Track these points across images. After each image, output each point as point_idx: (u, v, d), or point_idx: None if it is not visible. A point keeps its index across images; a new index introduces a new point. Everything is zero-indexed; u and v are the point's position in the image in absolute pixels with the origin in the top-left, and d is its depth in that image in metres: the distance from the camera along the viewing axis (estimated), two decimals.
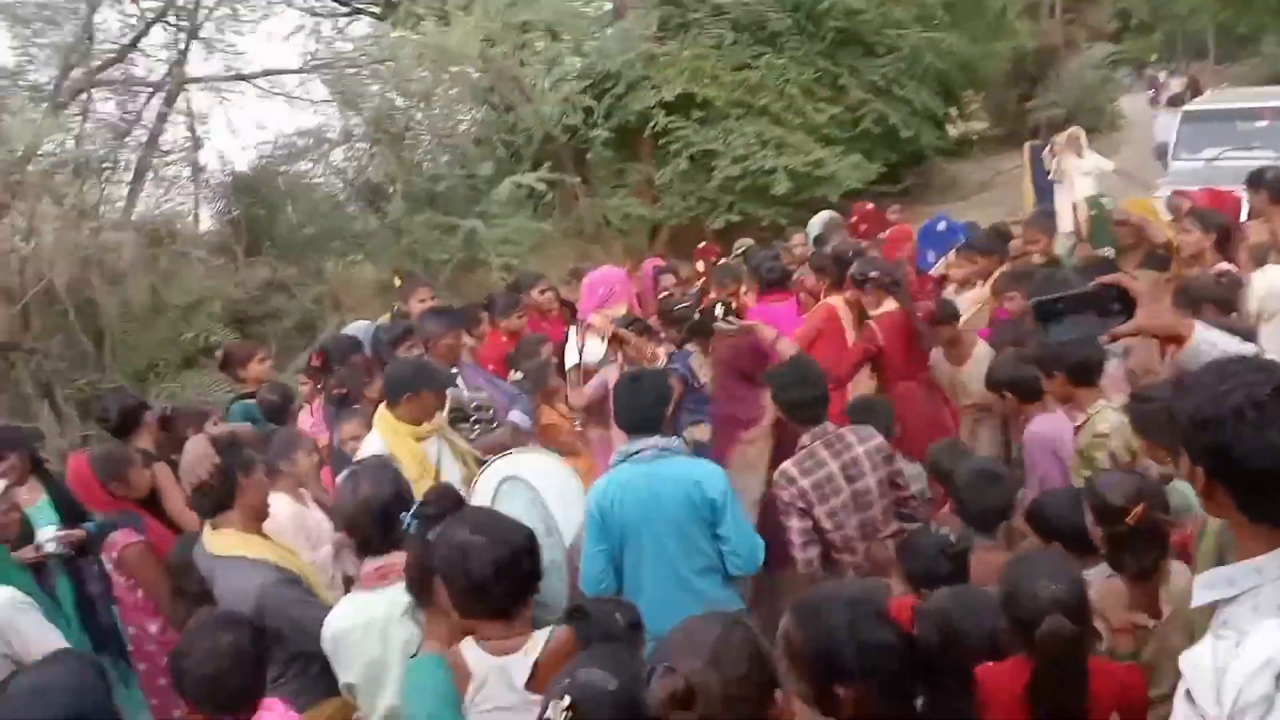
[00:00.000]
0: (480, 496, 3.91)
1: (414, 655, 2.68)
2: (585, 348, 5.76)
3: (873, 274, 5.28)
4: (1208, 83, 30.81)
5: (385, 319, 6.38)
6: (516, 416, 5.13)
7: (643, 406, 3.61)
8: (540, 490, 3.80)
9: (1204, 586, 1.68)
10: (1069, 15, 29.53)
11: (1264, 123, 11.19)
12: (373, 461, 3.50)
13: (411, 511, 2.64)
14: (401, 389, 4.20)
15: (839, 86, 17.29)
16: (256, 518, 3.38)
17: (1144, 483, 2.77)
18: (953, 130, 23.79)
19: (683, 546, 3.51)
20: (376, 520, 2.97)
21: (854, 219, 9.19)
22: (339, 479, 3.31)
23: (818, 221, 8.62)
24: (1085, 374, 3.70)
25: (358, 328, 6.16)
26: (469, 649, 2.48)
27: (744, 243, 8.31)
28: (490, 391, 5.22)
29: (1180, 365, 2.06)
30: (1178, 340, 2.09)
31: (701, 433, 5.52)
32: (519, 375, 5.62)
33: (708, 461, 3.92)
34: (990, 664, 2.42)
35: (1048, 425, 3.98)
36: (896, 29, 17.60)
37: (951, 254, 7.01)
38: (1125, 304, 2.13)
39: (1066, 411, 3.88)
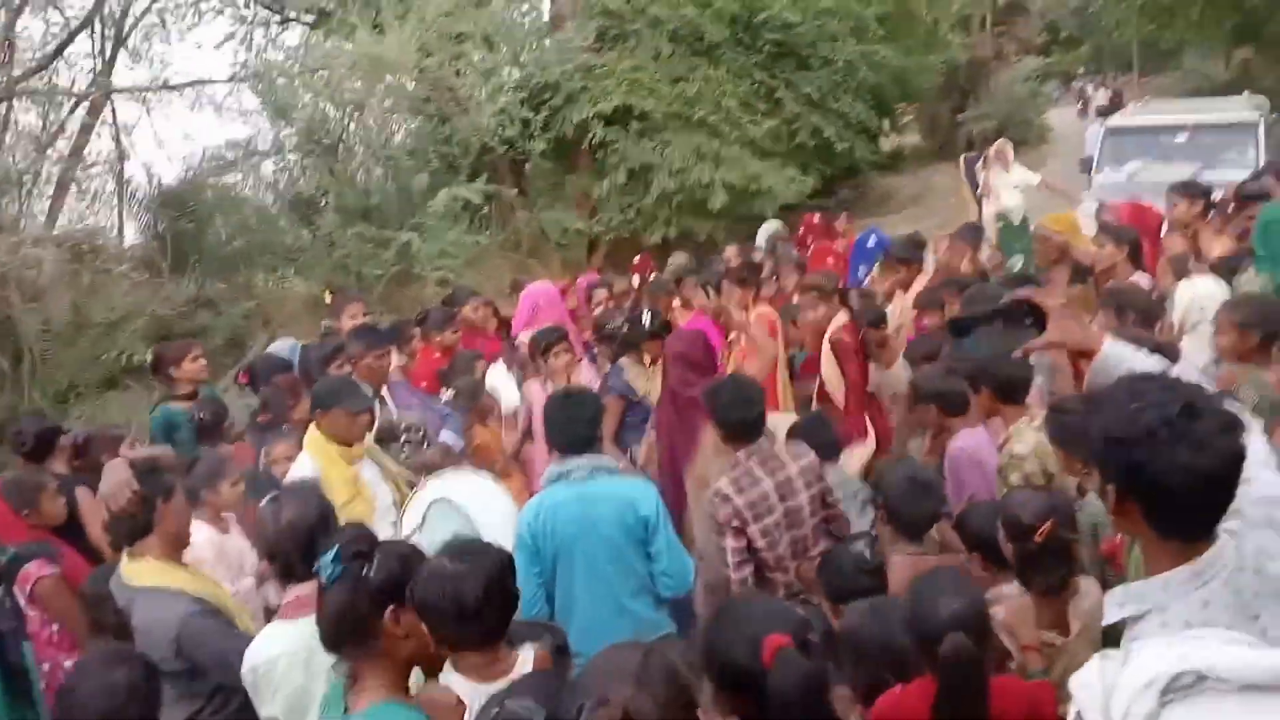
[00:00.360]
0: (411, 519, 3.85)
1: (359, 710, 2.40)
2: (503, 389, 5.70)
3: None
4: (1133, 95, 31.73)
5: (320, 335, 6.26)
6: (448, 437, 5.06)
7: (575, 425, 3.57)
8: (471, 512, 3.76)
9: (1115, 604, 1.70)
10: (999, 29, 30.18)
11: (1185, 136, 11.51)
12: (296, 485, 3.42)
13: (333, 555, 2.37)
14: (316, 405, 4.20)
15: (775, 99, 17.46)
16: (176, 546, 3.28)
17: (1055, 500, 2.82)
18: (886, 144, 24.18)
19: (617, 568, 3.48)
20: (300, 546, 2.87)
21: (801, 230, 9.28)
22: (261, 504, 3.22)
23: (763, 232, 8.71)
24: (1012, 391, 3.76)
25: (282, 346, 6.04)
26: (456, 683, 2.42)
27: (677, 258, 8.33)
28: (422, 410, 5.15)
29: (1090, 378, 2.09)
30: (1088, 354, 2.12)
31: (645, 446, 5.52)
32: (452, 393, 5.56)
33: (641, 480, 3.90)
34: (895, 690, 2.44)
35: (971, 440, 4.02)
36: (831, 42, 17.82)
37: (876, 267, 7.13)
38: (1037, 319, 2.16)
39: (990, 427, 3.93)
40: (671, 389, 4.88)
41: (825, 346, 5.42)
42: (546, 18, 16.66)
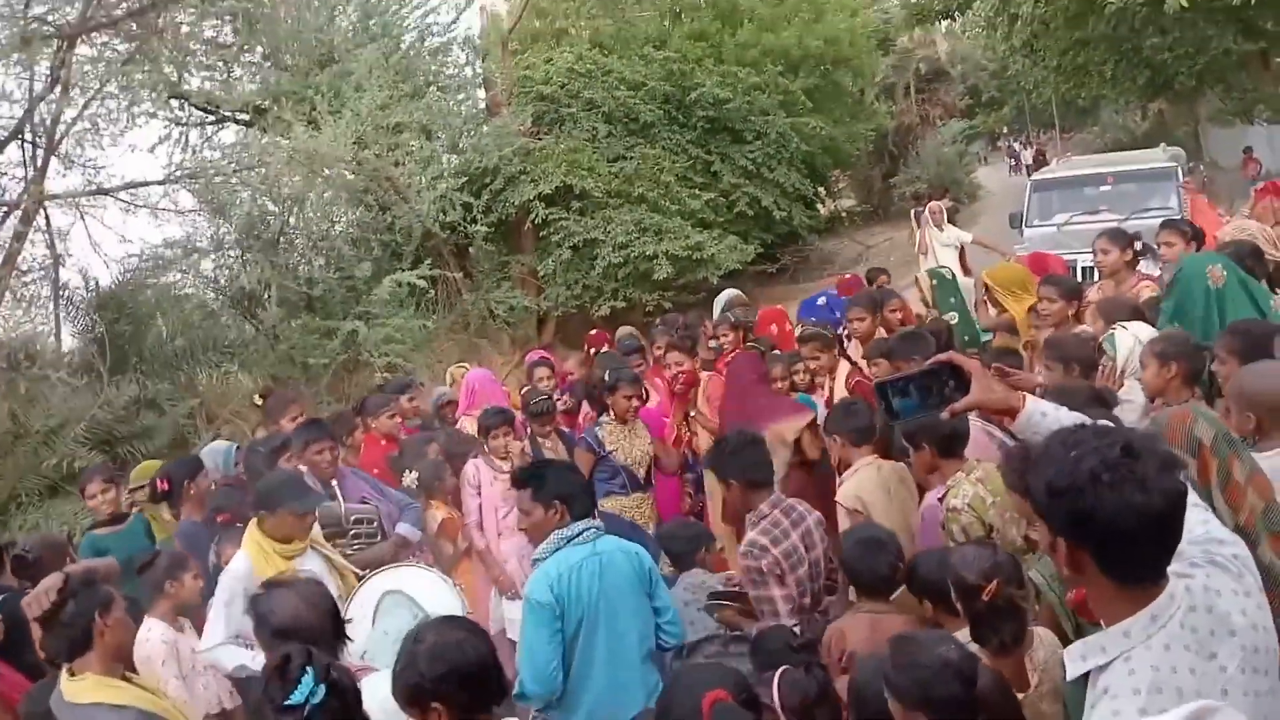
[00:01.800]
0: (360, 609, 3.76)
1: None
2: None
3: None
4: (1056, 152, 32.81)
5: (260, 433, 6.13)
6: (405, 529, 4.97)
7: (584, 490, 3.61)
8: (424, 604, 3.68)
9: (1076, 658, 1.70)
10: (922, 95, 31.28)
11: (1108, 187, 11.91)
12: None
13: (311, 678, 2.21)
14: (260, 505, 4.15)
15: (712, 172, 17.83)
16: (118, 659, 3.16)
17: (999, 558, 2.81)
18: (823, 209, 24.72)
19: (638, 625, 3.49)
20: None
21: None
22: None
23: (720, 300, 8.86)
24: (950, 446, 3.78)
25: (216, 449, 5.88)
26: None
27: (626, 331, 8.36)
28: (377, 500, 5.06)
29: (1018, 433, 2.15)
30: (1010, 413, 2.17)
31: (613, 504, 5.55)
32: (413, 477, 5.48)
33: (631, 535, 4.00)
34: None
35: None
36: (762, 116, 18.32)
37: None
38: (959, 381, 2.20)
39: (928, 483, 3.98)
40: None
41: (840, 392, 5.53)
42: (482, 105, 16.89)
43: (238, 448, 5.77)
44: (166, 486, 5.14)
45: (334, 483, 4.98)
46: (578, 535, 3.47)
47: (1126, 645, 1.63)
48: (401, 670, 2.38)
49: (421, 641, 2.38)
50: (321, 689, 2.19)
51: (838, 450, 4.53)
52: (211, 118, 15.44)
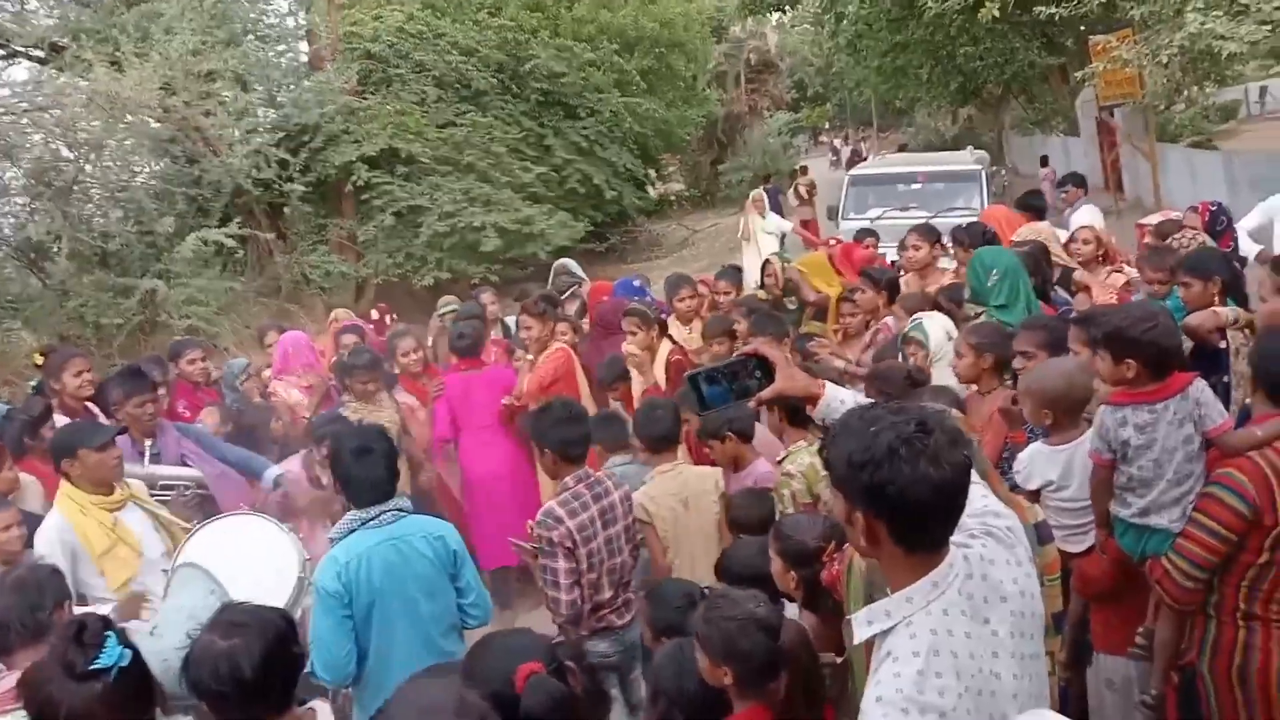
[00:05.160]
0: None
1: None
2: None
3: None
4: (872, 149, 34.33)
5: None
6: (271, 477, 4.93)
7: (374, 474, 3.44)
8: (225, 576, 3.43)
9: (862, 623, 1.76)
10: (751, 85, 32.03)
11: (918, 185, 12.55)
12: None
13: (115, 639, 2.15)
14: (57, 455, 3.92)
15: (544, 146, 17.71)
16: None
17: (830, 522, 2.90)
18: (653, 191, 25.02)
19: (434, 606, 3.45)
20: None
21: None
22: None
23: (562, 267, 8.89)
24: (796, 413, 3.87)
25: None
26: None
27: (447, 300, 8.16)
28: (201, 462, 4.76)
29: (817, 418, 2.27)
30: (812, 400, 2.29)
31: None
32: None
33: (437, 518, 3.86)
34: None
35: (764, 468, 4.14)
36: (597, 93, 18.32)
37: None
38: (765, 371, 2.29)
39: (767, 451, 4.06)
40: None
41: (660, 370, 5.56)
42: (304, 59, 16.11)
43: (6, 415, 5.26)
44: None
45: (148, 441, 4.67)
46: (373, 519, 3.40)
47: (909, 610, 1.70)
48: (182, 669, 2.27)
49: (196, 648, 2.27)
50: (128, 653, 2.15)
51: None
52: (1, 51, 14.15)
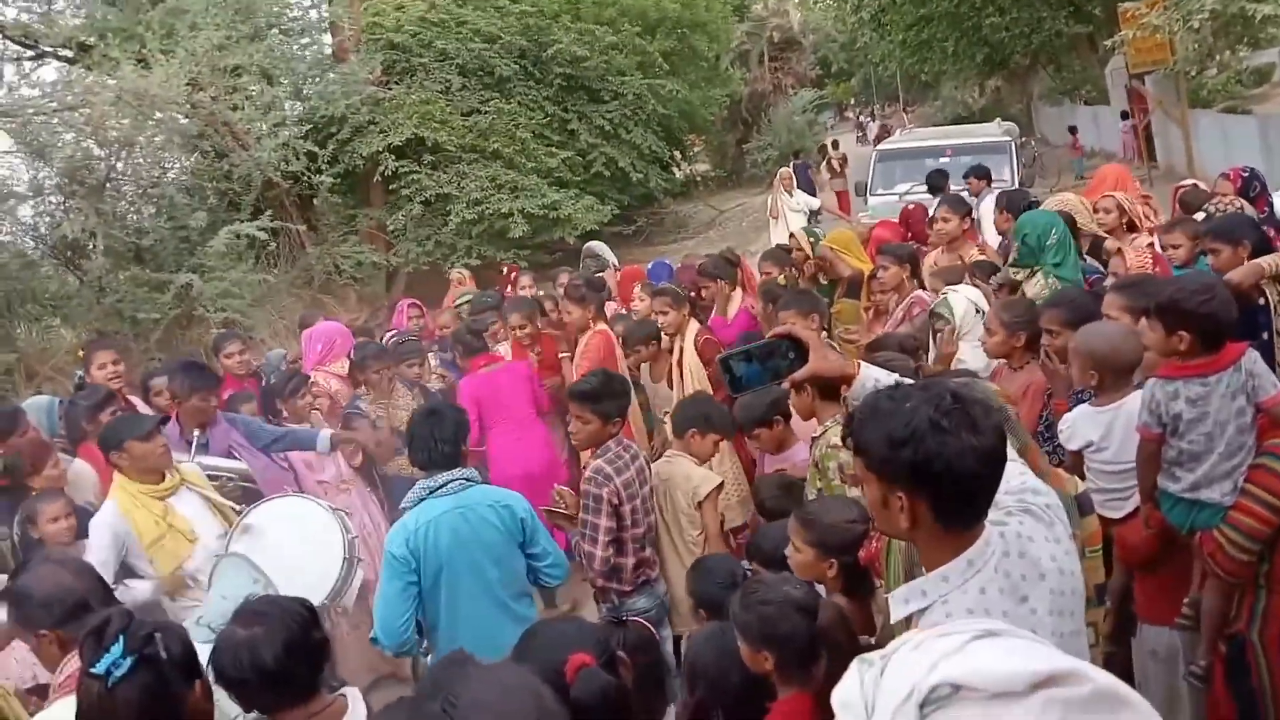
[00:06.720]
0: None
1: None
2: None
3: None
4: (899, 124, 33.97)
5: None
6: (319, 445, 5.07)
7: (443, 441, 3.55)
8: (271, 565, 3.50)
9: (900, 601, 1.76)
10: (775, 64, 31.77)
11: (946, 159, 12.41)
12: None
13: (119, 648, 2.03)
14: (105, 448, 4.10)
15: (569, 131, 17.68)
16: None
17: (860, 505, 2.88)
18: (679, 173, 24.91)
19: (502, 572, 3.55)
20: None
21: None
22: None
23: (595, 252, 8.91)
24: (832, 389, 3.84)
25: (38, 404, 5.47)
26: None
27: (464, 293, 8.17)
28: (248, 452, 4.87)
29: (850, 400, 2.22)
30: (847, 380, 2.26)
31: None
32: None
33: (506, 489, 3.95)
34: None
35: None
36: (619, 76, 18.24)
37: None
38: (798, 351, 2.27)
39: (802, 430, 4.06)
40: None
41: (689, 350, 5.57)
42: (329, 51, 16.18)
43: (61, 403, 5.39)
44: None
45: (196, 431, 4.82)
46: (441, 487, 3.48)
47: (945, 589, 1.70)
48: (209, 660, 2.30)
49: (220, 637, 2.31)
50: (128, 661, 2.02)
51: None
52: (30, 52, 14.32)
